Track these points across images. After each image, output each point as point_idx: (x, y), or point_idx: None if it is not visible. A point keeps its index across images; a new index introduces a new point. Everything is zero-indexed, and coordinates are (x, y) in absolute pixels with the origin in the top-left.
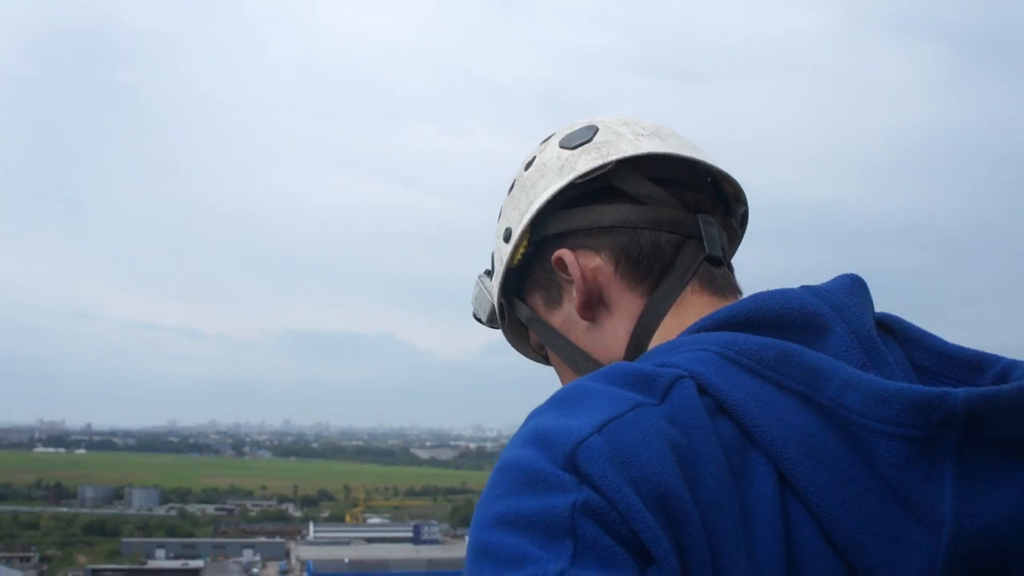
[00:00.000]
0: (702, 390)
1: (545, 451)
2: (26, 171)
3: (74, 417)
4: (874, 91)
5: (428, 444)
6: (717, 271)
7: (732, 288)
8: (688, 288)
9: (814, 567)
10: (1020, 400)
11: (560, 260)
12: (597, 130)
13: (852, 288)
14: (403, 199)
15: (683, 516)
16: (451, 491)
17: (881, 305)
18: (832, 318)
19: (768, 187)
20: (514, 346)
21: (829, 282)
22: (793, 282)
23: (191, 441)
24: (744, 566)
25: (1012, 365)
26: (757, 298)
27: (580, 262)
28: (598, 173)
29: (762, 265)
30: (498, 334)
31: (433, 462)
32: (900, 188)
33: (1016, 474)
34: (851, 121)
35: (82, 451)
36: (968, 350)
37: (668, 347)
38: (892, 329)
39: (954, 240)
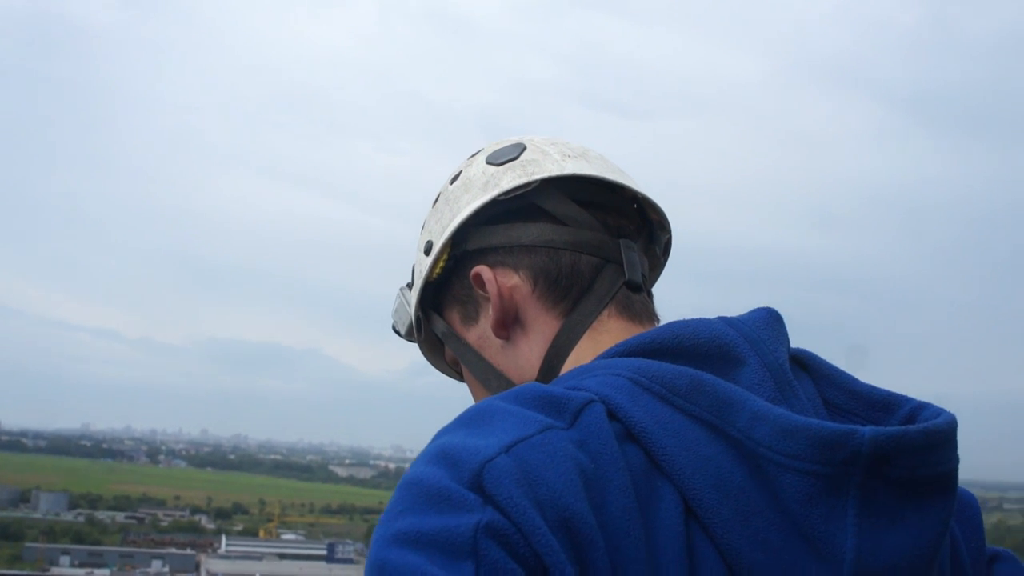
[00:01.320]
0: (612, 415)
1: (450, 469)
2: None
3: None
4: (807, 139)
5: (347, 462)
6: (636, 297)
7: (650, 315)
8: (605, 312)
9: None
10: (925, 441)
11: (478, 276)
12: (524, 148)
13: (768, 321)
14: (338, 214)
15: (587, 541)
16: (368, 510)
17: (804, 348)
18: (746, 350)
19: (700, 227)
20: (429, 361)
21: (745, 314)
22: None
23: (104, 446)
24: None
25: (920, 407)
26: (673, 326)
27: (498, 280)
28: (522, 191)
29: (689, 304)
30: (420, 353)
31: (351, 480)
32: (830, 235)
33: (918, 514)
34: (785, 168)
35: None
36: (879, 390)
37: (581, 371)
38: (806, 365)
39: (879, 287)
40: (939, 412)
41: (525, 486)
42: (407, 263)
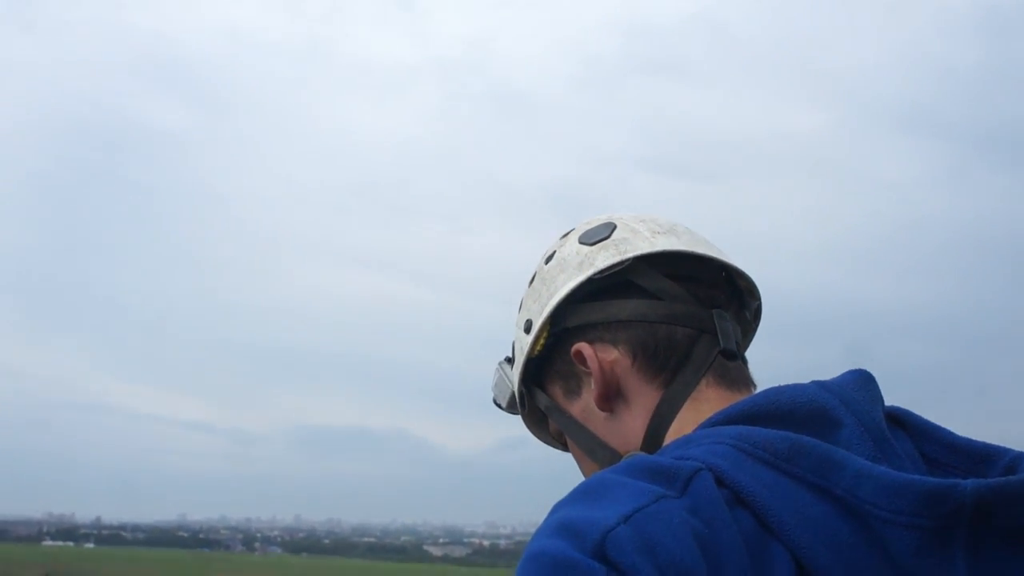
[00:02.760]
0: (720, 482)
1: (573, 540)
2: (44, 265)
3: (83, 510)
4: (880, 186)
5: (441, 541)
6: (731, 364)
7: (746, 381)
8: (703, 381)
9: None
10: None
11: (579, 353)
12: (615, 227)
13: (860, 382)
14: (416, 296)
15: None
16: None
17: (894, 398)
18: (842, 412)
19: (780, 282)
20: (533, 433)
21: (838, 377)
22: (807, 375)
23: (201, 536)
24: None
25: (1020, 457)
26: (770, 392)
27: (599, 355)
28: (616, 269)
29: (778, 359)
30: (511, 430)
31: (446, 559)
32: (910, 280)
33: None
34: (861, 216)
35: (91, 545)
36: (976, 442)
37: (685, 440)
38: (902, 422)
39: (966, 332)
40: None
41: (646, 553)
42: (487, 340)
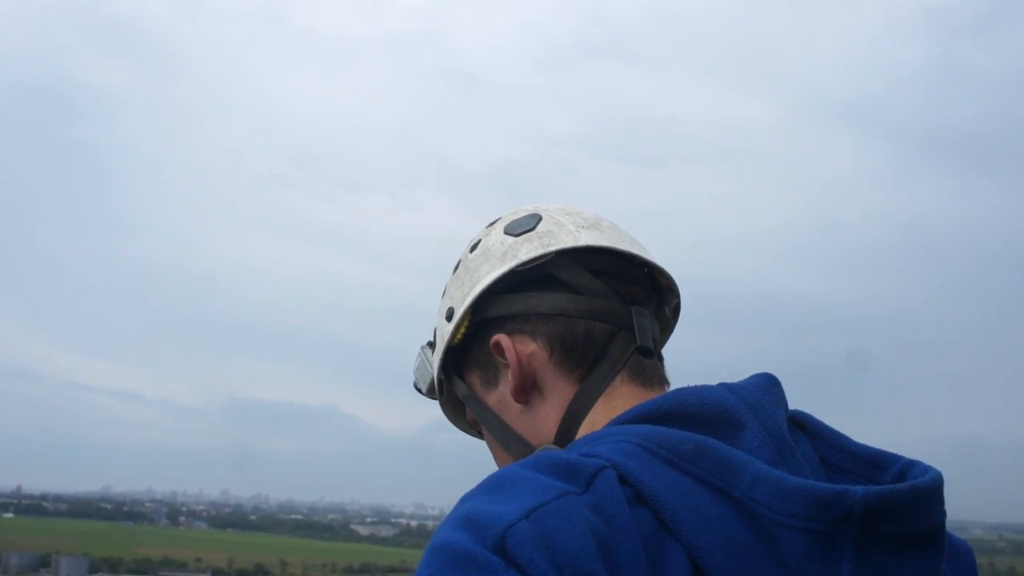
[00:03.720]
0: (623, 480)
1: (476, 534)
2: None
3: (3, 479)
4: (823, 180)
5: (368, 520)
6: (647, 362)
7: (660, 379)
8: (618, 378)
9: None
10: (913, 498)
11: (498, 344)
12: (540, 219)
13: (766, 386)
14: (355, 271)
15: None
16: (391, 569)
17: (818, 392)
18: (746, 415)
19: (718, 271)
20: (450, 420)
21: (745, 380)
22: (739, 368)
23: (125, 509)
24: None
25: (910, 465)
26: (679, 393)
27: (516, 347)
28: (539, 262)
29: (709, 349)
30: (441, 411)
31: (373, 539)
32: (846, 276)
33: (909, 564)
34: (798, 210)
35: (10, 515)
36: (871, 449)
37: (594, 437)
38: (804, 426)
39: (898, 328)
40: (927, 470)
41: (545, 550)
42: (425, 320)
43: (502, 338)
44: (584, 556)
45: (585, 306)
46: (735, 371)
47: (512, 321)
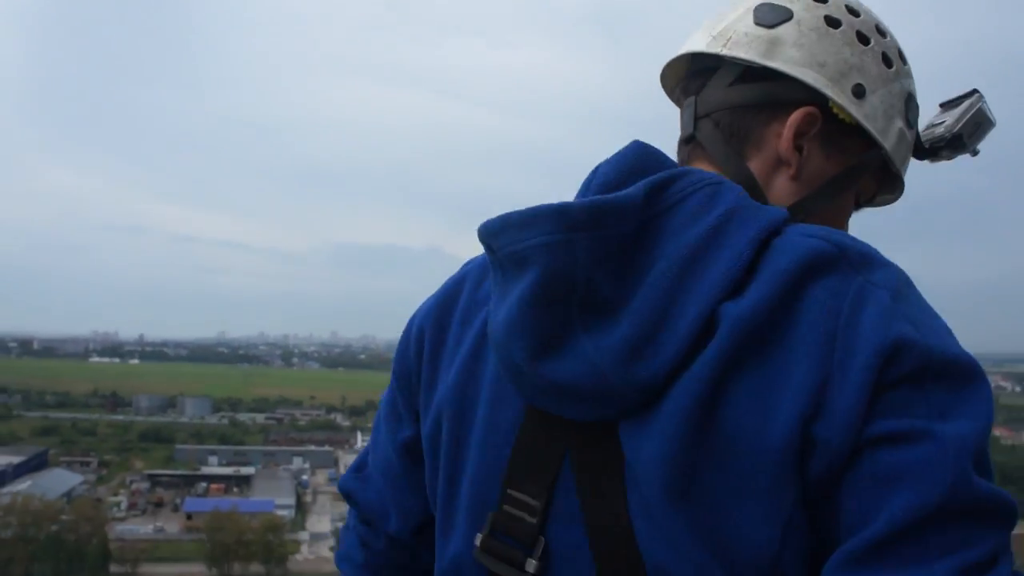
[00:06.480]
0: None
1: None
2: (77, 91)
3: (127, 328)
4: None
5: None
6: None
7: (686, 159)
8: None
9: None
10: (519, 221)
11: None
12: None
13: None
14: (450, 114)
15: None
16: None
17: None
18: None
19: None
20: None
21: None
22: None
23: (241, 352)
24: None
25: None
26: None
27: None
28: None
29: None
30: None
31: None
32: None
33: (513, 286)
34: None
35: (135, 361)
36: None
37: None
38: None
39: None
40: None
41: None
42: (528, 157)
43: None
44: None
45: None
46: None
47: None
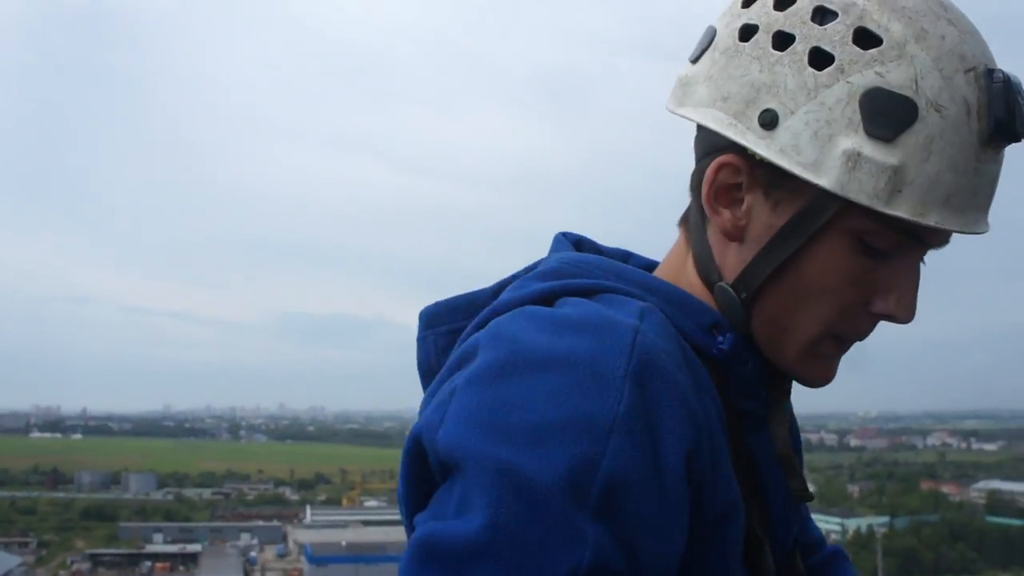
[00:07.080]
0: None
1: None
2: (22, 157)
3: (70, 402)
4: None
5: None
6: None
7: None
8: None
9: None
10: (455, 305)
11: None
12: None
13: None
14: (399, 182)
15: None
16: None
17: None
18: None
19: None
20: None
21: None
22: None
23: (187, 425)
24: None
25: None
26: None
27: None
28: None
29: None
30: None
31: None
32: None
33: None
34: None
35: (78, 436)
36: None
37: None
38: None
39: None
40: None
41: None
42: (471, 226)
43: None
44: None
45: None
46: None
47: None
